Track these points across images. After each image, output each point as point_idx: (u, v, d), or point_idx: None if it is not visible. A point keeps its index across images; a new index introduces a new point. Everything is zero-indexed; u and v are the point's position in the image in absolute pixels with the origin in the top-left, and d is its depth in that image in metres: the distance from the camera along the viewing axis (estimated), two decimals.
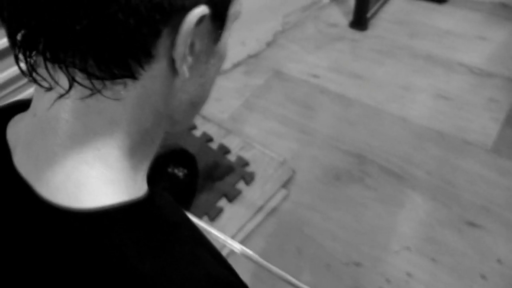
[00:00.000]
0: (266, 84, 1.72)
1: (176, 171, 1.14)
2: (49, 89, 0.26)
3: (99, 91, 0.25)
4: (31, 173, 0.27)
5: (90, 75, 0.24)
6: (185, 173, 1.17)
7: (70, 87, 0.25)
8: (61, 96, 0.25)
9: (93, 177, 0.27)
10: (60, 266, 0.25)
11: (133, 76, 0.25)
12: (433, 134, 1.49)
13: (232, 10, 0.28)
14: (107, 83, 0.25)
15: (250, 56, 1.85)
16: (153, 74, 0.26)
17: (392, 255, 1.19)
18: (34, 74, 0.26)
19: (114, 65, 0.24)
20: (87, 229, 0.25)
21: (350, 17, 1.99)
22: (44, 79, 0.26)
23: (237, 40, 1.78)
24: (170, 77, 0.27)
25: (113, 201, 0.27)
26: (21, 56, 0.25)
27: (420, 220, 1.26)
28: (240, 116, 1.60)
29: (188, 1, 0.24)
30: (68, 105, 0.26)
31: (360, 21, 1.95)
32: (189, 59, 0.26)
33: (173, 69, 0.27)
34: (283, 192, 1.34)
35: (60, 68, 0.24)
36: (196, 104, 0.31)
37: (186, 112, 0.31)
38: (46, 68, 0.25)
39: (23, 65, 0.26)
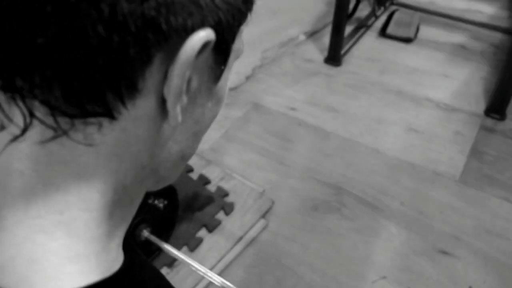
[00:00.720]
0: (245, 116, 1.76)
1: (156, 202, 1.13)
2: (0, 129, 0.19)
3: (65, 133, 0.19)
4: None
5: (54, 110, 0.18)
6: (165, 204, 1.16)
7: (27, 126, 0.18)
8: (15, 138, 0.19)
9: (53, 251, 0.20)
10: None
11: (111, 115, 0.19)
12: (405, 166, 1.55)
13: (237, 44, 0.23)
14: (77, 122, 0.19)
15: (230, 89, 1.89)
16: (137, 115, 0.20)
17: (369, 285, 1.21)
18: None
19: (87, 98, 0.18)
20: None
21: (325, 53, 2.08)
22: None
23: None
24: (158, 121, 0.21)
25: (79, 285, 0.19)
26: None
27: (395, 249, 1.29)
28: (220, 147, 1.61)
29: (191, 21, 0.18)
30: (24, 151, 0.19)
31: (334, 57, 2.04)
32: (184, 98, 0.21)
33: (162, 110, 0.21)
34: (262, 222, 1.34)
35: (14, 99, 0.18)
36: (186, 157, 0.26)
37: (175, 167, 0.25)
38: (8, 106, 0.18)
39: None
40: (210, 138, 1.64)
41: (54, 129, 0.19)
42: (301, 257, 1.27)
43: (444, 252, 1.28)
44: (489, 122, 1.75)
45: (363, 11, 2.41)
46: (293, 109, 1.80)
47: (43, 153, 0.19)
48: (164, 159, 0.24)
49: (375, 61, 2.09)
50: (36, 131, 0.19)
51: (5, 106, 0.19)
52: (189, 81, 0.21)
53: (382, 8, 2.46)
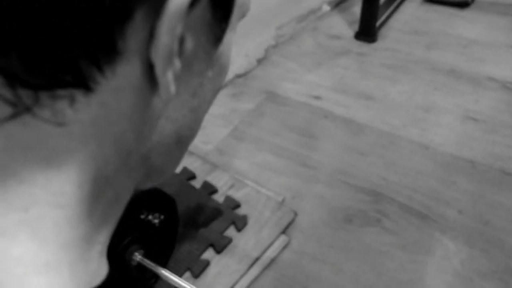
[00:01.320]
0: (257, 109, 1.76)
1: (150, 217, 1.14)
2: None
3: (28, 110, 0.18)
4: None
5: (12, 80, 0.17)
6: (161, 220, 1.17)
7: None
8: None
9: (15, 259, 0.19)
10: None
11: (85, 86, 0.19)
12: (463, 164, 1.52)
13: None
14: (42, 96, 0.18)
15: (238, 76, 1.90)
16: (118, 85, 0.20)
17: None
18: None
19: (53, 64, 0.17)
20: None
21: (356, 27, 2.08)
22: None
23: None
24: (145, 93, 0.21)
25: None
26: None
27: (454, 271, 1.27)
28: (228, 148, 1.62)
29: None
30: None
31: (367, 31, 2.03)
32: (177, 63, 0.20)
33: (150, 79, 0.20)
34: (283, 239, 1.34)
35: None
36: (183, 141, 0.26)
37: (169, 154, 0.25)
38: None
39: None
40: (216, 136, 1.65)
41: (14, 105, 0.18)
42: (332, 281, 1.26)
43: None
44: None
45: None
46: (317, 98, 1.80)
47: (1, 136, 0.18)
48: (156, 143, 0.23)
49: (420, 34, 2.06)
50: None
51: None
52: (181, 41, 0.20)
53: None
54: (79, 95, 0.19)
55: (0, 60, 0.17)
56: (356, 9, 2.08)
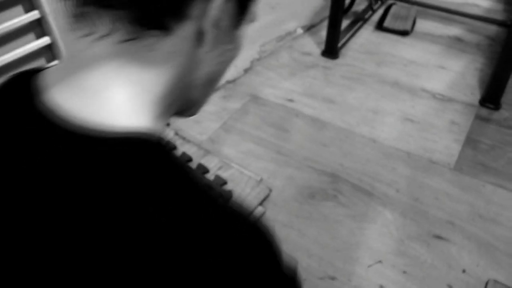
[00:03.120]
0: (243, 108, 1.78)
1: None
2: (88, 34, 0.27)
3: (135, 38, 0.27)
4: (68, 102, 0.27)
5: (130, 21, 0.26)
6: None
7: (112, 30, 0.27)
8: (102, 37, 0.27)
9: (121, 98, 0.27)
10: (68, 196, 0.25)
11: (166, 29, 0.27)
12: (401, 154, 1.57)
13: (252, 7, 0.31)
14: (144, 33, 0.27)
15: (229, 82, 1.92)
16: (183, 35, 0.28)
17: (365, 269, 1.23)
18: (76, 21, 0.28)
19: (151, 15, 0.26)
20: (115, 149, 0.25)
21: (322, 46, 2.10)
22: (82, 27, 0.28)
23: None
24: (195, 44, 0.29)
25: (126, 125, 0.26)
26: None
27: (390, 235, 1.32)
28: (218, 138, 1.64)
29: None
30: (107, 46, 0.27)
31: (331, 50, 2.07)
32: (215, 31, 0.29)
33: (199, 38, 0.29)
34: (260, 209, 1.36)
35: (107, 9, 0.26)
36: (212, 81, 0.33)
37: (204, 89, 0.33)
38: (88, 13, 0.27)
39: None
40: (209, 128, 1.67)
41: (131, 34, 0.27)
42: (298, 243, 1.29)
43: (439, 237, 1.30)
44: (484, 111, 1.77)
45: (360, 5, 2.43)
46: (290, 100, 1.82)
47: (120, 48, 0.27)
48: (198, 77, 0.31)
49: (372, 54, 2.11)
50: (116, 35, 0.27)
51: (95, 18, 0.27)
52: (219, 21, 0.29)
53: (379, 2, 2.48)
54: (162, 35, 0.27)
55: (126, 11, 0.26)
56: (323, 33, 2.11)
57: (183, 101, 0.32)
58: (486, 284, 1.21)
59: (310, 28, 2.32)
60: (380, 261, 1.25)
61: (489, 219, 1.36)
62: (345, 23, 2.25)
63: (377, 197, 1.42)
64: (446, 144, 1.62)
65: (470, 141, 1.63)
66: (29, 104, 0.28)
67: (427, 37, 2.22)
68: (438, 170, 1.51)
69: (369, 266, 1.23)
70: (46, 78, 0.29)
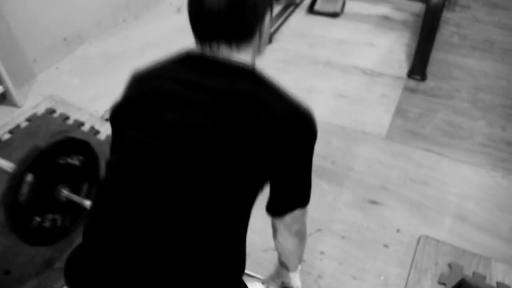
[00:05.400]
0: None
1: (69, 160, 1.15)
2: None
3: (238, 47, 0.64)
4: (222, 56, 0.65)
5: (234, 41, 0.63)
6: (81, 160, 1.18)
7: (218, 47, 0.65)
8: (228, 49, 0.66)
9: (246, 61, 0.65)
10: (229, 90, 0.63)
11: (252, 39, 0.64)
12: (335, 128, 1.68)
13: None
14: (242, 43, 0.64)
15: None
16: (256, 37, 0.64)
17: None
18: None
19: (249, 37, 0.63)
20: (249, 70, 0.66)
21: None
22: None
23: None
24: (259, 38, 0.66)
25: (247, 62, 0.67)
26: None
27: (328, 204, 1.41)
28: None
29: (267, 9, 0.65)
30: (223, 51, 0.65)
31: None
32: (265, 31, 0.67)
33: (260, 35, 0.65)
34: None
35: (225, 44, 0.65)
36: (265, 42, 0.69)
37: (263, 47, 0.69)
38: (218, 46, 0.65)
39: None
40: None
41: (236, 46, 0.65)
42: None
43: (374, 202, 1.42)
44: (412, 83, 1.93)
45: None
46: None
47: (230, 50, 0.65)
48: (261, 46, 0.68)
49: (304, 36, 2.22)
50: (223, 47, 0.65)
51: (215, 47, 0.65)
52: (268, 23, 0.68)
53: None
54: (250, 41, 0.65)
55: (231, 40, 0.66)
56: None
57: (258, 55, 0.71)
58: (418, 240, 1.34)
59: None
60: (319, 230, 1.34)
61: (419, 181, 1.49)
62: (277, 9, 2.36)
63: (314, 170, 1.50)
64: (377, 115, 1.75)
65: (399, 111, 1.77)
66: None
67: (356, 17, 2.38)
68: (370, 140, 1.64)
69: (309, 235, 1.32)
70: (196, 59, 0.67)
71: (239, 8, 0.60)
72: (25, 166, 1.01)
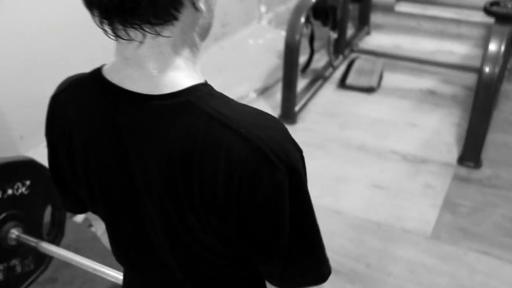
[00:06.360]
0: None
1: (10, 191, 1.22)
2: (130, 41, 0.60)
3: (159, 34, 0.59)
4: (139, 87, 0.62)
5: (153, 25, 0.57)
6: (28, 185, 1.26)
7: (144, 36, 0.59)
8: (141, 43, 0.60)
9: (179, 76, 0.62)
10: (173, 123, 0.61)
11: (175, 18, 0.58)
12: (370, 225, 1.89)
13: None
14: (163, 27, 0.58)
15: None
16: (186, 13, 0.60)
17: None
18: (117, 37, 0.60)
19: (164, 14, 0.57)
20: (185, 99, 0.60)
21: (278, 111, 2.50)
22: (121, 37, 0.60)
23: None
24: (194, 13, 0.61)
25: (194, 83, 0.62)
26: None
27: None
28: None
29: None
30: (147, 46, 0.60)
31: (288, 114, 2.46)
32: (203, 0, 0.61)
33: (195, 8, 0.60)
34: None
35: (134, 27, 0.58)
36: (208, 28, 0.67)
37: (205, 31, 0.66)
38: (125, 30, 0.59)
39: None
40: None
41: (156, 33, 0.59)
42: None
43: None
44: (463, 171, 2.15)
45: (320, 61, 2.92)
46: None
47: (155, 43, 0.60)
48: (201, 27, 0.64)
49: (334, 116, 2.52)
50: (148, 37, 0.59)
51: (129, 32, 0.59)
52: None
53: (341, 57, 2.98)
54: (174, 22, 0.59)
55: (147, 21, 0.58)
56: (278, 96, 2.52)
57: (197, 44, 0.67)
58: None
59: (264, 91, 2.75)
60: None
61: None
62: (303, 82, 2.70)
63: (345, 274, 1.69)
64: (420, 210, 1.95)
65: (448, 205, 1.98)
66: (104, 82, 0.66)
67: (396, 92, 2.69)
68: (412, 240, 1.82)
69: None
70: (114, 73, 0.65)
71: None
72: None
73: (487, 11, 2.26)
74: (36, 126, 2.29)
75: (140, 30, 0.58)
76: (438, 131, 2.40)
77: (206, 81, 0.64)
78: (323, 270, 0.70)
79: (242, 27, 3.40)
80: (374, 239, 1.83)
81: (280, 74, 2.59)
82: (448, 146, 2.30)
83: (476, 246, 1.80)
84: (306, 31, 2.60)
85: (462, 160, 2.20)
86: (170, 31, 0.60)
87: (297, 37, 2.39)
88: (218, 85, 0.64)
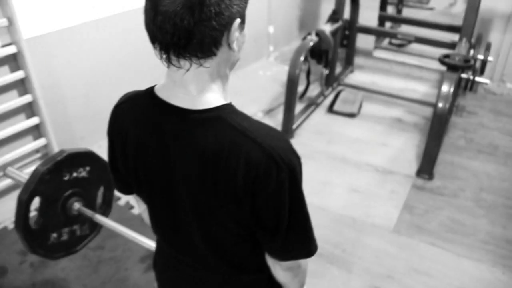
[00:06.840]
0: None
1: (76, 174, 1.26)
2: (179, 68, 0.65)
3: (202, 65, 0.64)
4: (182, 103, 0.67)
5: (198, 58, 0.63)
6: (88, 170, 1.29)
7: (191, 65, 0.64)
8: (187, 70, 0.65)
9: (212, 97, 0.67)
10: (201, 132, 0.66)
11: (214, 54, 0.63)
12: (347, 220, 2.00)
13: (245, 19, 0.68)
14: (205, 60, 0.64)
15: None
16: (222, 51, 0.65)
17: None
18: (170, 64, 0.65)
19: (208, 51, 0.63)
20: (216, 114, 0.66)
21: (280, 128, 2.62)
22: (173, 65, 0.64)
23: None
24: (228, 52, 0.66)
25: (223, 103, 0.67)
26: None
27: None
28: None
29: (234, 16, 0.62)
30: (191, 73, 0.65)
31: (287, 130, 2.58)
32: (236, 42, 0.66)
33: (229, 48, 0.65)
34: None
35: (185, 58, 0.63)
36: (236, 61, 0.72)
37: (233, 65, 0.71)
38: (178, 60, 0.63)
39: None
40: None
41: (199, 64, 0.65)
42: None
43: None
44: (420, 181, 2.27)
45: (314, 91, 3.05)
46: None
47: (197, 71, 0.66)
48: (232, 62, 0.71)
49: (323, 134, 2.64)
50: (193, 67, 0.65)
51: (180, 61, 0.65)
52: (237, 37, 0.67)
53: (330, 88, 3.10)
54: (213, 57, 0.65)
55: (195, 54, 0.64)
56: (280, 116, 2.64)
57: (228, 73, 0.73)
58: None
59: (269, 112, 2.87)
60: None
61: (423, 272, 1.76)
62: (300, 107, 2.82)
63: (326, 256, 1.81)
64: (386, 210, 2.07)
65: (407, 207, 2.09)
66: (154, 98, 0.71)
67: (372, 118, 2.81)
68: (379, 232, 1.94)
69: None
70: (165, 92, 0.70)
71: (198, 10, 0.59)
72: (27, 193, 1.14)
73: (441, 61, 2.39)
74: (93, 130, 2.43)
75: (189, 61, 0.63)
76: (403, 150, 2.52)
77: (231, 102, 0.69)
78: (312, 247, 0.77)
79: (254, 61, 3.55)
80: (350, 230, 1.95)
81: (282, 99, 2.72)
82: (409, 162, 2.41)
83: (426, 239, 1.92)
84: (304, 67, 2.71)
85: (419, 173, 2.31)
86: (209, 63, 0.64)
87: (297, 71, 2.51)
88: (234, 105, 0.71)
